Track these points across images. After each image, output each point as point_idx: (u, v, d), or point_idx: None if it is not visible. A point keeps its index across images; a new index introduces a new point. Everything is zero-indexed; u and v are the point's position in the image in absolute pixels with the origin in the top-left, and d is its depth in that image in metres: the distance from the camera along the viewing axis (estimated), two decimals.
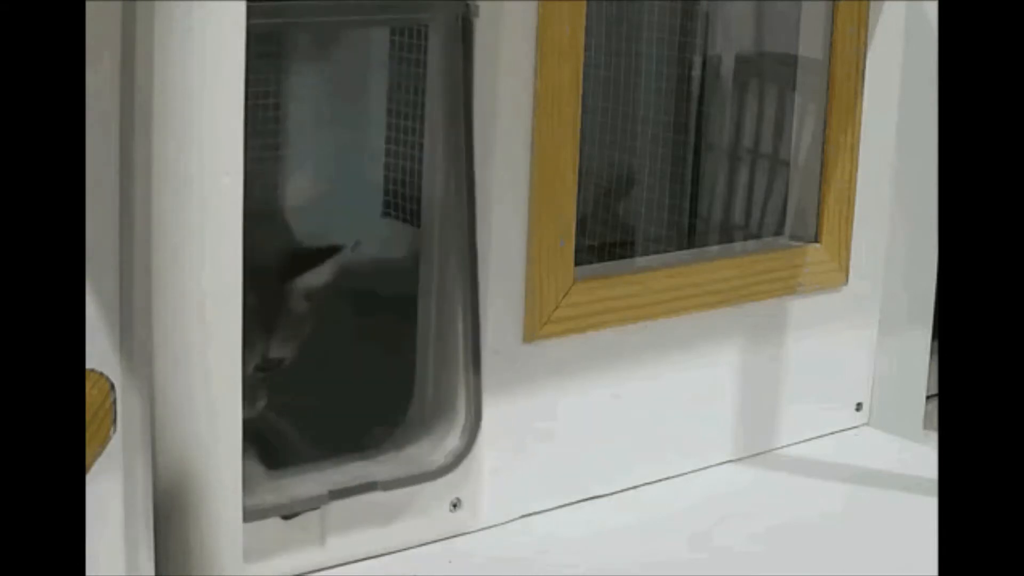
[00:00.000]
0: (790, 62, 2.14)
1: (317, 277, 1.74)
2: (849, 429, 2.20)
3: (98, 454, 1.33)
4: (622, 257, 2.30)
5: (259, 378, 1.67)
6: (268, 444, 1.76)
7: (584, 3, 1.81)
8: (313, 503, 1.68)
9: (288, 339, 1.71)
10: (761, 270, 2.06)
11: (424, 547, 1.78)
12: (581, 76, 1.82)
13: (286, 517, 1.69)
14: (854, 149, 2.11)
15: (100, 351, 1.50)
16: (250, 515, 1.61)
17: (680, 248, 2.30)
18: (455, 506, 1.80)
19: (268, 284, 1.70)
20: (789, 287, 2.08)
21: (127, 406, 1.51)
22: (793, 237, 2.13)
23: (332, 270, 1.74)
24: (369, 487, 1.71)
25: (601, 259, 2.14)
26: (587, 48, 1.83)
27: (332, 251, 1.75)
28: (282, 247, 1.80)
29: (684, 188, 2.39)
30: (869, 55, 2.10)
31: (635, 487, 1.97)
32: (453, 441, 1.78)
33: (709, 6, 2.40)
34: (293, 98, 2.07)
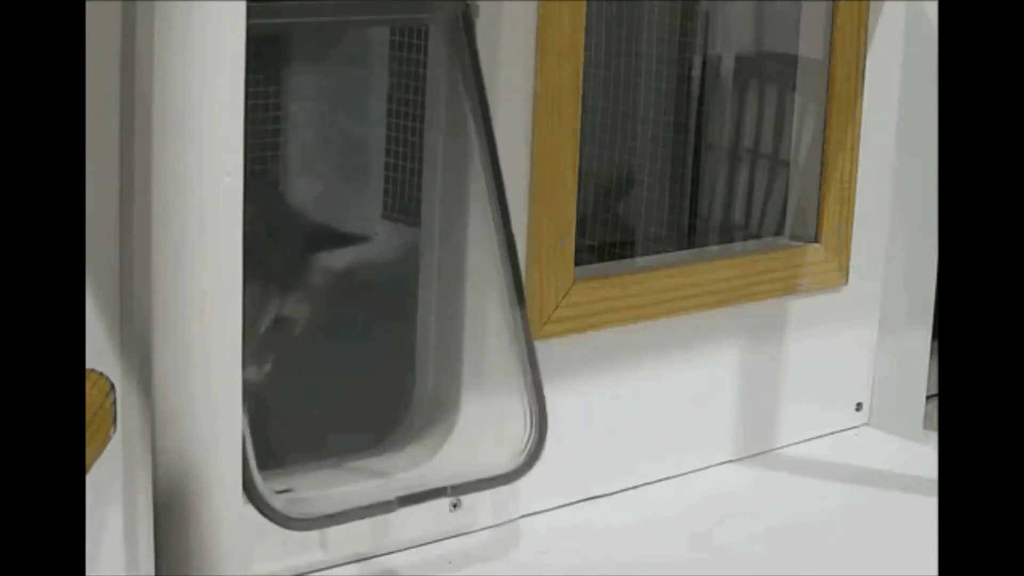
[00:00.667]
0: (790, 62, 2.14)
1: (338, 259, 1.74)
2: (849, 429, 2.20)
3: (98, 454, 1.33)
4: (622, 257, 2.30)
5: (271, 338, 1.67)
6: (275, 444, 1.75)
7: (584, 3, 1.81)
8: (382, 509, 1.66)
9: (302, 303, 1.71)
10: (761, 270, 2.06)
11: (424, 547, 1.78)
12: (581, 76, 1.82)
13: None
14: (854, 149, 2.11)
15: (100, 351, 1.50)
16: (301, 524, 1.59)
17: (680, 248, 2.30)
18: (455, 506, 1.80)
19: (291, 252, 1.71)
20: (789, 287, 2.08)
21: (127, 406, 1.51)
22: (793, 237, 2.13)
23: (353, 257, 1.75)
24: (439, 492, 1.69)
25: (601, 259, 2.14)
26: (587, 48, 1.83)
27: (358, 239, 1.76)
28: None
29: (684, 188, 2.40)
30: (869, 55, 2.10)
31: (635, 487, 1.97)
32: (519, 443, 1.75)
33: (709, 6, 2.40)
34: (293, 98, 2.07)
